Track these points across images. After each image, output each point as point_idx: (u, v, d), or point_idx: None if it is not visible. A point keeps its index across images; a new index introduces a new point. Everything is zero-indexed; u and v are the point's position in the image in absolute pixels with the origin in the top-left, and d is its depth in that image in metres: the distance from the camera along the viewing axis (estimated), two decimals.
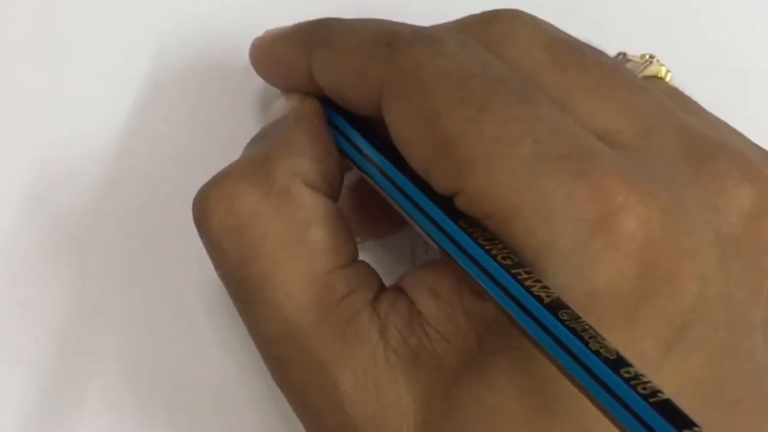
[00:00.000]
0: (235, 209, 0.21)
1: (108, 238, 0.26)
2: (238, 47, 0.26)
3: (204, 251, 0.22)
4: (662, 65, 0.24)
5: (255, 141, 0.23)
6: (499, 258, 0.18)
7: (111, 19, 0.27)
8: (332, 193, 0.22)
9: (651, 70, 0.24)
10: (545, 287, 0.18)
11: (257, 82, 0.25)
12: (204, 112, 0.27)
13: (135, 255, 0.26)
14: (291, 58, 0.23)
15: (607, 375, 0.16)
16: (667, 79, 0.24)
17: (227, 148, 0.23)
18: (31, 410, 0.25)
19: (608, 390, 0.16)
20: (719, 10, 0.29)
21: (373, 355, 0.20)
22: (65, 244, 0.26)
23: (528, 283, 0.18)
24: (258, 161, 0.22)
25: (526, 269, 0.18)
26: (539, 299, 0.17)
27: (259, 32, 0.25)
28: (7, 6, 0.27)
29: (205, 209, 0.21)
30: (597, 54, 0.22)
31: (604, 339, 0.16)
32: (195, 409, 0.26)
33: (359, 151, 0.22)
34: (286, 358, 0.21)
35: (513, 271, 0.18)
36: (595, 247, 0.18)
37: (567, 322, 0.17)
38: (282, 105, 0.24)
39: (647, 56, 0.24)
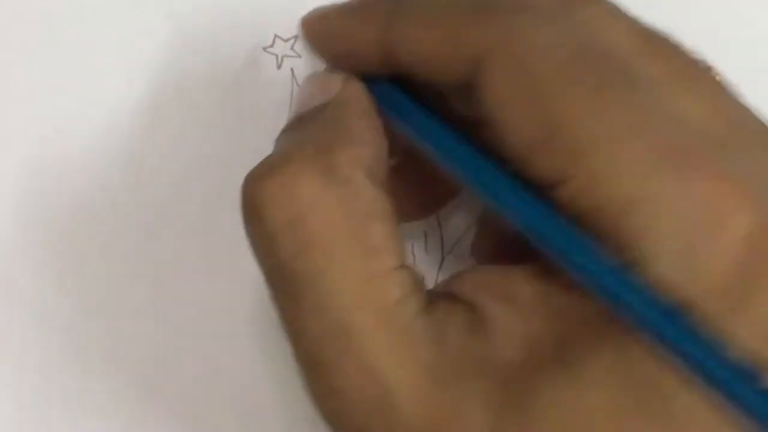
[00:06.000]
0: (296, 198, 0.19)
1: (114, 236, 0.25)
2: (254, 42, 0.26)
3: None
4: (717, 74, 0.23)
5: (302, 123, 0.22)
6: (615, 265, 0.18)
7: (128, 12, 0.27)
8: (383, 182, 0.21)
9: None
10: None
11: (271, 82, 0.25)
12: (212, 110, 0.26)
13: (143, 254, 0.25)
14: (361, 32, 0.21)
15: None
16: None
17: (234, 145, 0.23)
18: (41, 413, 0.24)
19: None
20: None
21: (431, 365, 0.19)
22: (71, 243, 0.25)
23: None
24: (320, 149, 0.20)
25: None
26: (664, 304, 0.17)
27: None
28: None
29: (262, 196, 0.20)
30: (678, 44, 0.21)
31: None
32: (204, 410, 0.25)
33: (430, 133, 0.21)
34: (333, 362, 0.19)
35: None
36: (708, 249, 0.18)
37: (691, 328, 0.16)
38: (320, 83, 0.22)
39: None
